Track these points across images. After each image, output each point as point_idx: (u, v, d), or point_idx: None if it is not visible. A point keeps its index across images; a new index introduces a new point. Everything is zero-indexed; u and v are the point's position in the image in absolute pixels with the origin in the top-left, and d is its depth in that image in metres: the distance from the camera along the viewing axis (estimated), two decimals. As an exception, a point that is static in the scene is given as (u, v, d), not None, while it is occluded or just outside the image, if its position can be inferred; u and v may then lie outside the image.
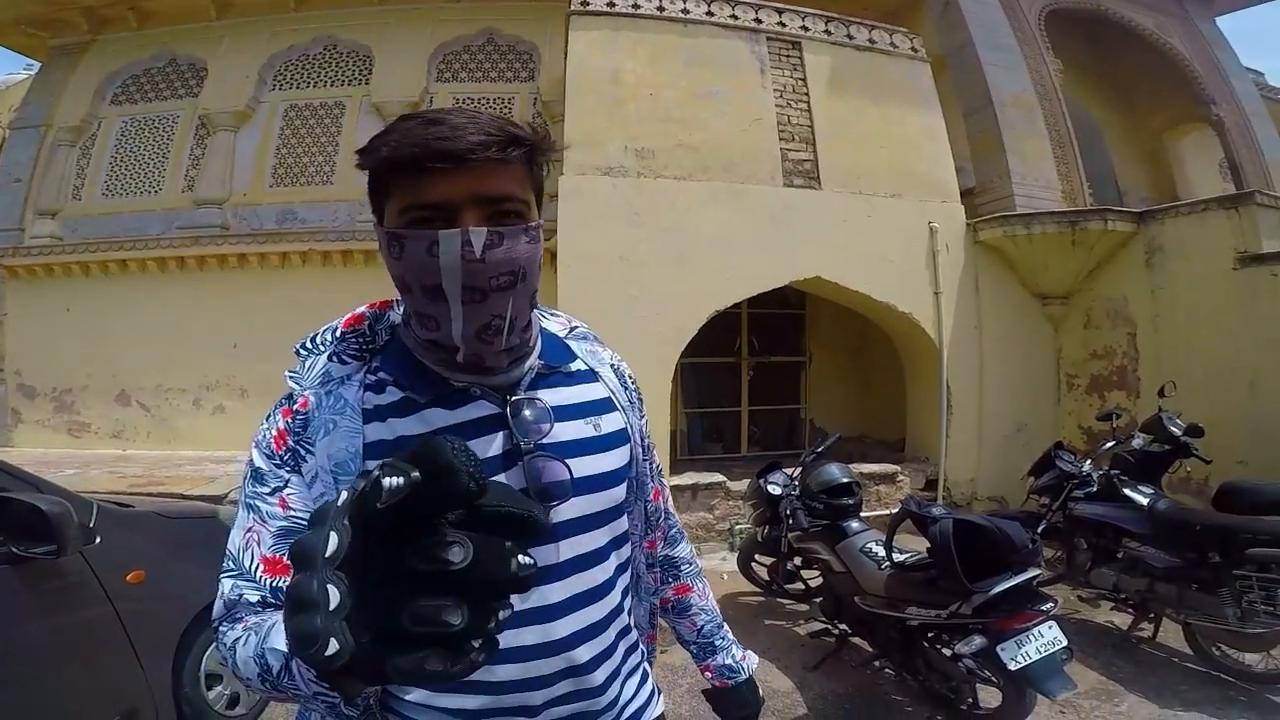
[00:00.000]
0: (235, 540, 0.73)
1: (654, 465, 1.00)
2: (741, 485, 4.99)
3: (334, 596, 0.38)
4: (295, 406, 0.76)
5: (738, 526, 5.08)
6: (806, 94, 5.88)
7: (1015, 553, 2.40)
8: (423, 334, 0.75)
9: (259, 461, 0.76)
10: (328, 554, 0.39)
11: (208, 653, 2.45)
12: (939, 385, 5.85)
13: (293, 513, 0.73)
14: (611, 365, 0.95)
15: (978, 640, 2.40)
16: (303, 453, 0.74)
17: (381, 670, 0.40)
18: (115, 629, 2.07)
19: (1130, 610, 3.34)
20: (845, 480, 3.33)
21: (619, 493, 0.85)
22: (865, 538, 3.10)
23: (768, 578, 3.97)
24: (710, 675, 1.12)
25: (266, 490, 0.74)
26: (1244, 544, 2.78)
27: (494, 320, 0.72)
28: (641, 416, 0.96)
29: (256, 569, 0.71)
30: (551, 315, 0.95)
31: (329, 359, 0.78)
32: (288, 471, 0.74)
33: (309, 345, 0.80)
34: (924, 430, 6.25)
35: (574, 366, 0.88)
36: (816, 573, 3.50)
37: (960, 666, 2.56)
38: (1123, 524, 3.29)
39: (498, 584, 0.42)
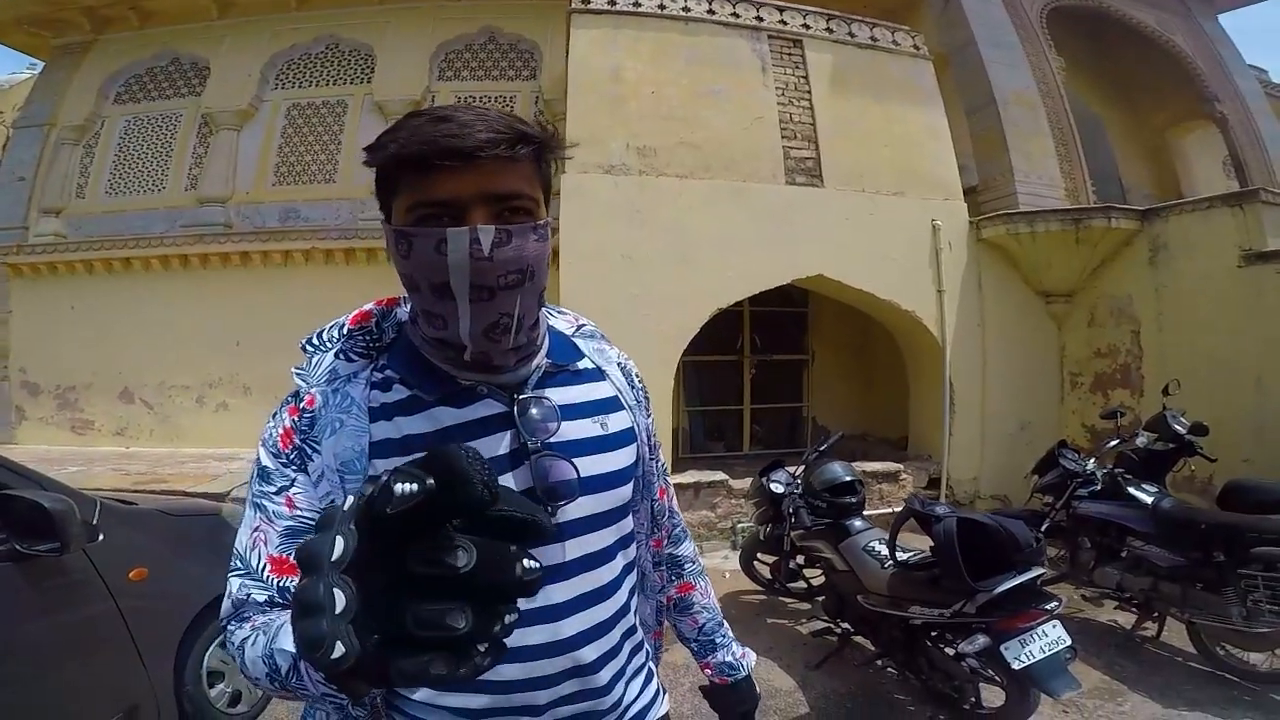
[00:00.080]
0: (243, 539, 0.73)
1: (659, 464, 0.99)
2: (744, 483, 4.99)
3: (340, 600, 0.39)
4: (302, 405, 0.76)
5: (740, 525, 5.07)
6: (808, 92, 5.87)
7: (1019, 552, 2.40)
8: (430, 332, 0.75)
9: (265, 460, 0.75)
10: (334, 558, 0.40)
11: (210, 650, 2.45)
12: (942, 383, 5.84)
13: (299, 512, 0.73)
14: (619, 364, 0.94)
15: (981, 639, 2.40)
16: (309, 451, 0.74)
17: (387, 673, 0.40)
18: (118, 626, 2.07)
19: (1134, 609, 3.33)
20: (848, 478, 3.33)
21: (625, 492, 0.85)
22: (868, 536, 3.10)
23: (770, 576, 3.97)
24: (710, 672, 1.12)
25: (273, 489, 0.74)
26: (1249, 543, 2.77)
27: (502, 318, 0.71)
28: (648, 415, 0.96)
29: (264, 569, 0.71)
30: (559, 313, 0.94)
31: (336, 356, 0.78)
32: (294, 470, 0.74)
33: (315, 342, 0.80)
34: (927, 428, 6.24)
35: (581, 365, 0.87)
36: (819, 571, 3.50)
37: (963, 666, 2.55)
38: (1127, 523, 3.28)
39: (503, 588, 0.42)
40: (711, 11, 5.80)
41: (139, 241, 7.42)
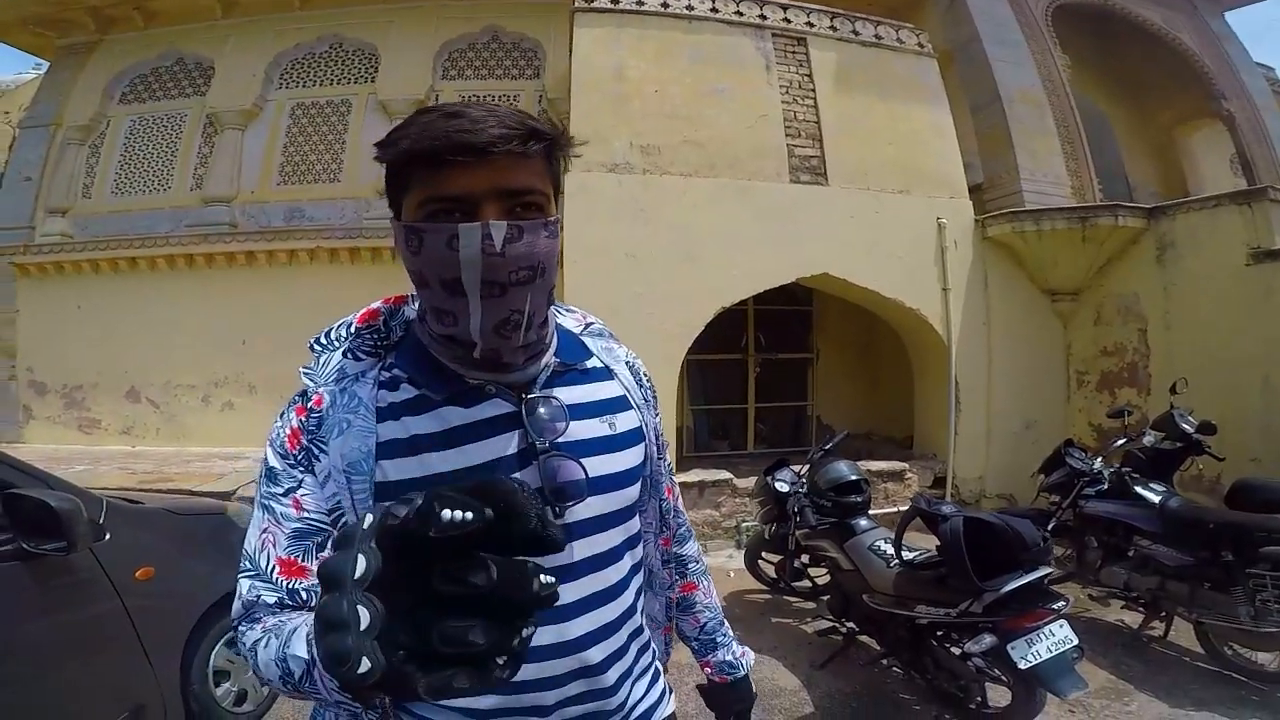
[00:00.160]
0: (252, 540, 0.73)
1: (666, 463, 0.99)
2: (748, 482, 4.98)
3: (364, 617, 0.40)
4: (309, 404, 0.76)
5: (745, 524, 5.07)
6: (813, 90, 5.86)
7: (1026, 551, 2.38)
8: (439, 329, 0.74)
9: (273, 460, 0.75)
10: (356, 576, 0.41)
11: (216, 649, 2.46)
12: (947, 382, 5.82)
13: (307, 514, 0.73)
14: (627, 362, 0.94)
15: (988, 639, 2.38)
16: (316, 452, 0.74)
17: (411, 686, 0.41)
18: (124, 625, 2.08)
19: (1141, 609, 3.32)
20: (853, 477, 3.32)
21: (633, 492, 0.85)
22: (873, 535, 3.09)
23: (775, 575, 3.96)
24: (710, 670, 1.12)
25: (280, 490, 0.74)
26: (1258, 542, 2.76)
27: (512, 315, 0.71)
28: (656, 414, 0.95)
29: (273, 571, 0.71)
30: (567, 311, 0.94)
31: (343, 355, 0.77)
32: (301, 471, 0.74)
33: (323, 340, 0.80)
34: (932, 427, 6.22)
35: (589, 364, 0.87)
36: (824, 570, 3.50)
37: (969, 665, 2.55)
38: (1134, 522, 3.27)
39: (521, 603, 0.43)
40: (715, 10, 5.79)
41: (145, 241, 7.45)
